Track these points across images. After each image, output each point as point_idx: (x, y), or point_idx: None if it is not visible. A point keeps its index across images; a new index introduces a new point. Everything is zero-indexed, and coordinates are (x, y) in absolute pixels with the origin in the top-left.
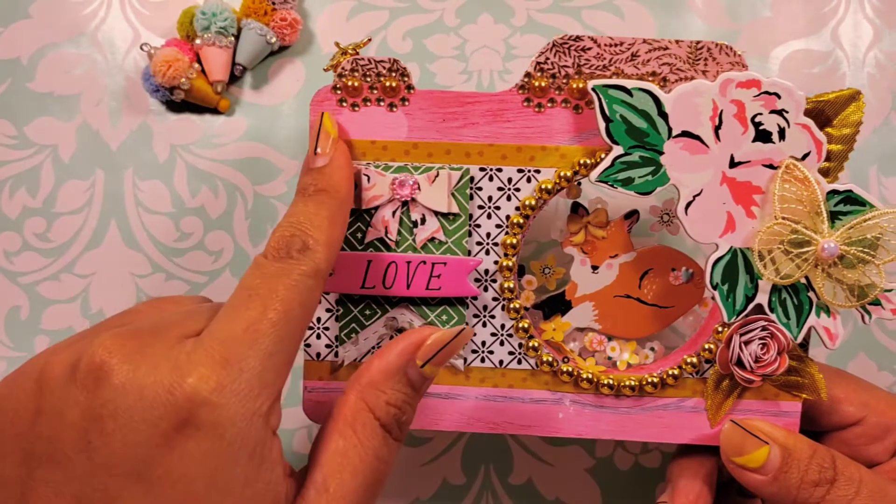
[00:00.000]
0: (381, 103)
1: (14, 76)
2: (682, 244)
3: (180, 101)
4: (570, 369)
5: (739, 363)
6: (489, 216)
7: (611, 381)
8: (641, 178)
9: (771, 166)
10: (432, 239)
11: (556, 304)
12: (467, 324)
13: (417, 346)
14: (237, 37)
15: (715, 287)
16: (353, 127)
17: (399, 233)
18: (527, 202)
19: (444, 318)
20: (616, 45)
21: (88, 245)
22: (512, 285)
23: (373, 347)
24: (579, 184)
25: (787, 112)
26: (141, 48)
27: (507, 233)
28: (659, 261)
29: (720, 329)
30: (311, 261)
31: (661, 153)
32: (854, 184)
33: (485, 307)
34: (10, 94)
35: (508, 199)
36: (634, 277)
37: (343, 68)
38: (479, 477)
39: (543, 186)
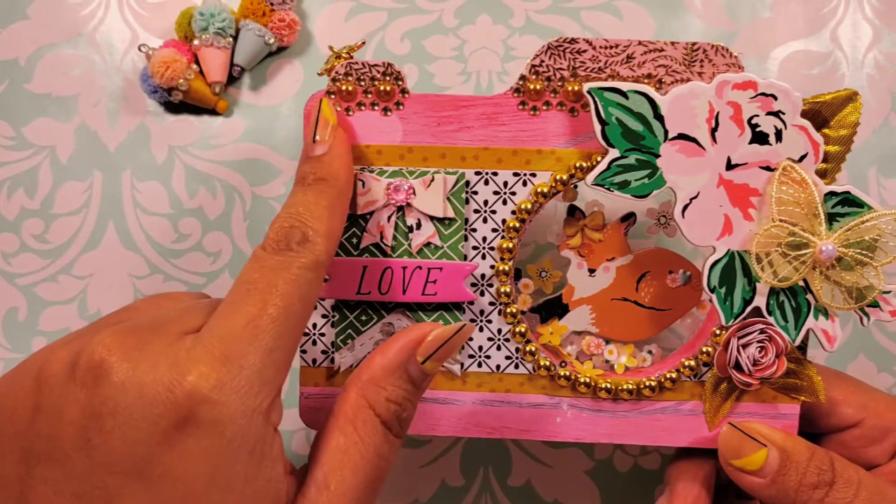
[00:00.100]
0: (376, 107)
1: (12, 77)
2: (680, 247)
3: (178, 102)
4: (568, 373)
5: (737, 366)
6: (485, 220)
7: (608, 385)
8: (638, 182)
9: (768, 168)
10: (428, 244)
11: (553, 308)
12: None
13: (418, 343)
14: (235, 38)
15: (712, 290)
16: (348, 131)
17: (394, 238)
18: (523, 206)
19: (441, 323)
20: (611, 48)
21: (86, 246)
22: (508, 289)
23: (369, 353)
24: (575, 187)
25: (783, 113)
26: (139, 49)
27: (503, 237)
28: (656, 263)
29: (718, 332)
30: (311, 253)
31: (658, 156)
32: (854, 185)
33: (481, 312)
34: (7, 95)
35: (504, 202)
36: (631, 280)
37: (337, 72)
38: (477, 478)
39: (539, 190)
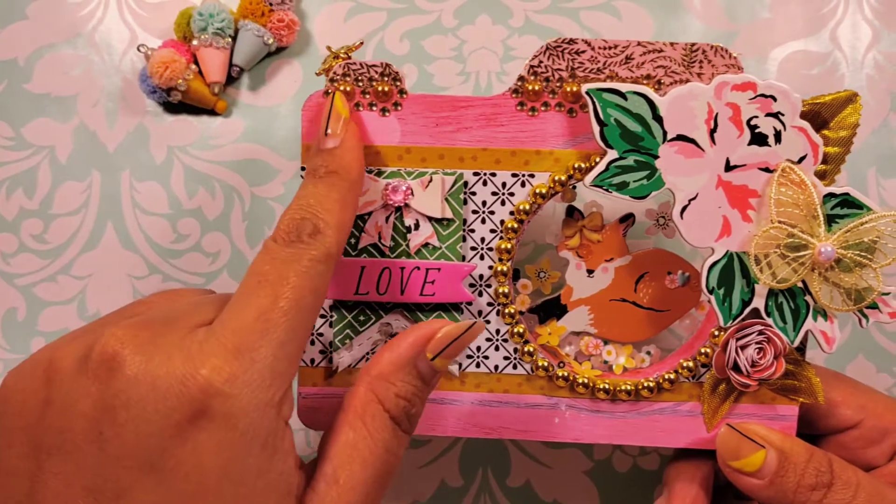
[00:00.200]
0: (374, 108)
1: (11, 77)
2: (679, 248)
3: (177, 103)
4: (566, 374)
5: (736, 367)
6: (483, 221)
7: (607, 386)
8: (636, 183)
9: (767, 170)
10: (426, 244)
11: (551, 309)
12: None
13: (428, 339)
14: (234, 38)
15: (711, 291)
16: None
17: (393, 238)
18: (521, 207)
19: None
20: (610, 48)
21: (85, 246)
22: (507, 290)
23: (367, 353)
24: (574, 188)
25: (783, 115)
26: (138, 49)
27: (501, 237)
28: (655, 264)
29: (716, 333)
30: (322, 245)
31: (656, 157)
32: (853, 185)
33: (480, 312)
34: (7, 96)
35: (503, 203)
36: (630, 281)
37: (335, 73)
38: (476, 479)
39: (538, 191)
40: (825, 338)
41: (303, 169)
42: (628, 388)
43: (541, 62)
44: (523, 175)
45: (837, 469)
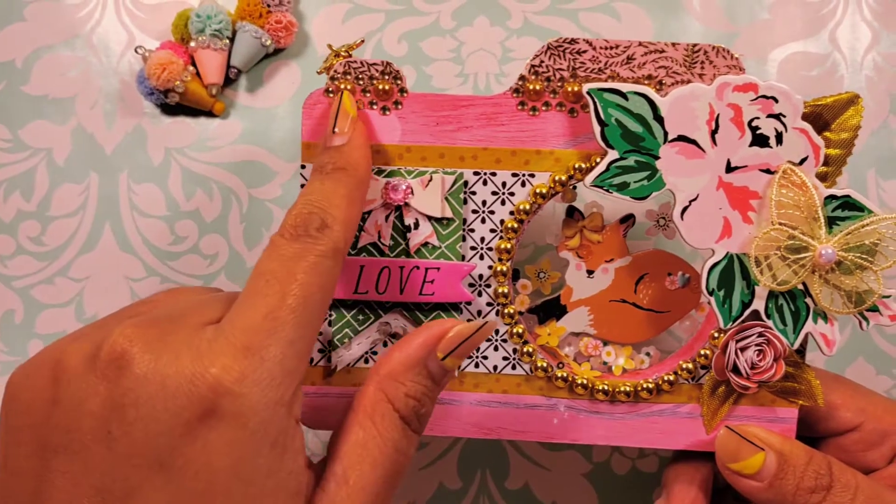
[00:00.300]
0: (374, 106)
1: (8, 79)
2: (679, 248)
3: (175, 104)
4: (565, 375)
5: (735, 369)
6: (483, 221)
7: (606, 387)
8: (637, 183)
9: (768, 171)
10: (426, 244)
11: (551, 309)
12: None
13: (439, 338)
14: (232, 39)
15: (711, 293)
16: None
17: (392, 237)
18: (521, 207)
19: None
20: (611, 48)
21: (83, 249)
22: (506, 290)
23: (366, 352)
24: (574, 188)
25: (784, 116)
26: (135, 51)
27: (501, 237)
28: (655, 265)
29: (716, 335)
30: (330, 239)
31: (657, 157)
32: (852, 187)
33: (479, 312)
34: (4, 97)
35: (503, 203)
36: (630, 282)
37: (335, 71)
38: (475, 481)
39: (538, 191)
40: (825, 340)
41: (302, 168)
42: (627, 389)
43: (542, 62)
44: (523, 175)
45: (836, 472)
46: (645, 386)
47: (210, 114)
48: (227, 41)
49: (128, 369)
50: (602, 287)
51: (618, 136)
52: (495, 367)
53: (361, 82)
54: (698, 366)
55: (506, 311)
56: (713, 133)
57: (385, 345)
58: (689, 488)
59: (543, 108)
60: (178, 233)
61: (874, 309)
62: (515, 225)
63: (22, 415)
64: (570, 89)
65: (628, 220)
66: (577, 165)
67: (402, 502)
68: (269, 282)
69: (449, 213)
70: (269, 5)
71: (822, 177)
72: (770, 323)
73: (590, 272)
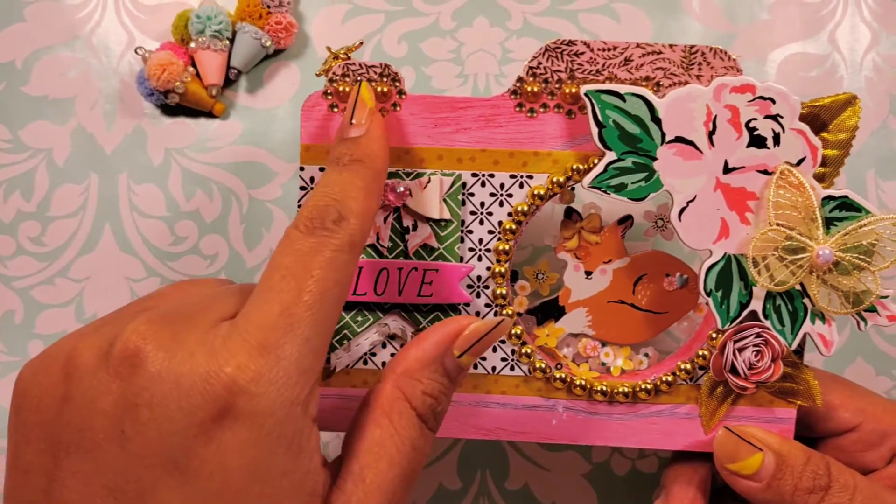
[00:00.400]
0: None
1: (9, 80)
2: (677, 249)
3: (175, 105)
4: (564, 376)
5: (733, 370)
6: (481, 222)
7: (604, 388)
8: (634, 184)
9: (765, 172)
10: (424, 245)
11: (549, 310)
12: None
13: (455, 336)
14: (232, 40)
15: (709, 294)
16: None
17: (390, 239)
18: (519, 208)
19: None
20: (609, 50)
21: (83, 249)
22: (504, 291)
23: (365, 354)
24: (572, 189)
25: (781, 117)
26: (135, 52)
27: (499, 239)
28: (653, 266)
29: (714, 335)
30: (346, 232)
31: (655, 159)
32: (852, 188)
33: (477, 314)
34: (4, 98)
35: (501, 204)
36: (628, 283)
37: (334, 73)
38: (475, 482)
39: (536, 192)
40: (823, 341)
41: (301, 169)
42: (626, 390)
43: (540, 63)
44: (521, 176)
45: (835, 472)
46: (643, 387)
47: (210, 114)
48: (227, 42)
49: (141, 367)
50: (600, 288)
51: (615, 138)
52: (494, 368)
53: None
54: (696, 366)
55: (504, 312)
56: (710, 134)
57: (384, 346)
58: (688, 489)
59: (541, 110)
60: (178, 233)
61: (872, 309)
62: (513, 226)
63: (32, 411)
64: (567, 91)
65: (626, 221)
66: (574, 167)
67: None
68: (284, 277)
69: (447, 215)
70: (268, 6)
71: (819, 177)
72: (768, 323)
73: (588, 273)
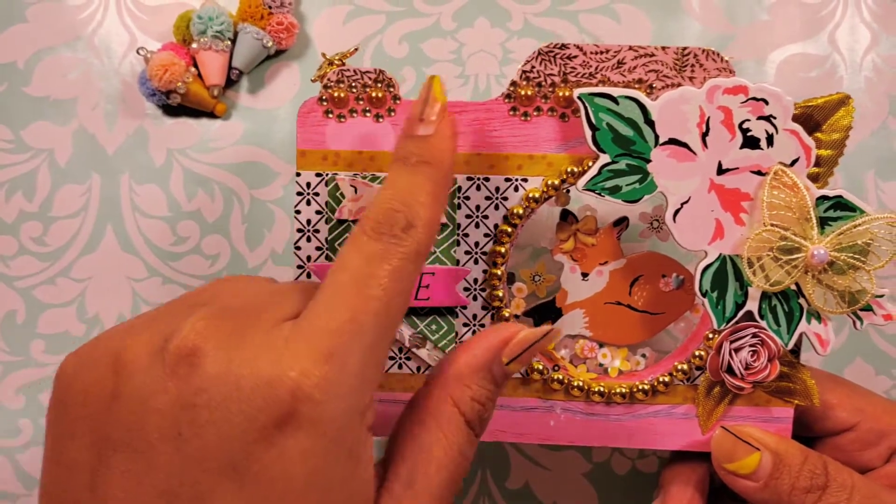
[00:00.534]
0: (368, 114)
1: (10, 80)
2: (673, 251)
3: (177, 105)
4: (561, 377)
5: (730, 370)
6: (477, 225)
7: (602, 389)
8: (629, 186)
9: (759, 173)
10: None
11: (546, 312)
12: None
13: (505, 343)
14: (234, 41)
15: (704, 294)
16: (340, 138)
17: None
18: (514, 211)
19: (434, 327)
20: (602, 53)
21: (85, 249)
22: (501, 294)
23: None
24: (567, 192)
25: (774, 118)
26: (137, 52)
27: (495, 242)
28: (649, 267)
29: (710, 336)
30: (414, 241)
31: (648, 161)
32: (851, 189)
33: (474, 316)
34: (6, 98)
35: (496, 208)
36: (625, 284)
37: (329, 79)
38: (475, 481)
39: (531, 195)
40: (819, 340)
41: (297, 175)
42: (623, 390)
43: (533, 67)
44: (516, 179)
45: (832, 471)
46: (641, 387)
47: (212, 115)
48: (229, 42)
49: (200, 367)
50: (597, 289)
51: (609, 140)
52: None
53: (355, 90)
54: (693, 367)
55: (501, 314)
56: (704, 136)
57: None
58: (686, 489)
59: (535, 114)
60: (180, 233)
61: (868, 308)
62: (509, 229)
63: (77, 406)
64: (561, 94)
65: (622, 222)
66: (569, 169)
67: None
68: (351, 282)
69: (443, 219)
70: (270, 7)
71: (813, 178)
72: (764, 324)
73: (584, 275)
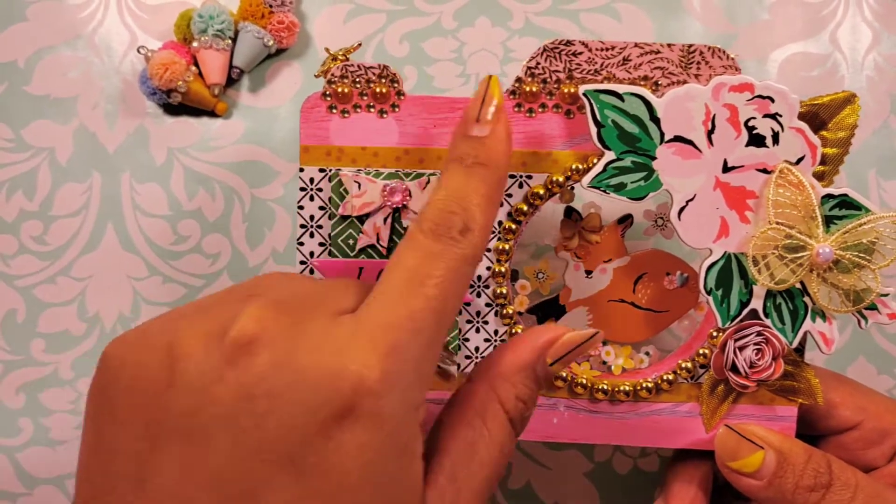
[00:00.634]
0: (372, 109)
1: (11, 79)
2: (677, 248)
3: (177, 104)
4: (565, 375)
5: (734, 368)
6: None
7: (605, 387)
8: (634, 184)
9: (765, 171)
10: None
11: (550, 309)
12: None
13: (550, 344)
14: (234, 40)
15: (709, 292)
16: (344, 133)
17: (391, 239)
18: (519, 208)
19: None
20: (607, 50)
21: (85, 248)
22: (505, 291)
23: None
24: (572, 189)
25: (780, 116)
26: (138, 51)
27: (499, 238)
28: (653, 265)
29: (715, 334)
30: (470, 244)
31: (654, 158)
32: (853, 187)
33: (478, 313)
34: (6, 97)
35: (500, 204)
36: (628, 282)
37: (333, 74)
38: None
39: (535, 192)
40: (824, 339)
41: (301, 171)
42: (627, 388)
43: (538, 63)
44: (521, 176)
45: (836, 470)
46: (644, 385)
47: (212, 114)
48: (230, 41)
49: (260, 356)
50: (601, 287)
51: (614, 137)
52: None
53: (358, 85)
54: (697, 365)
55: (504, 311)
56: (709, 133)
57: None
58: (689, 487)
59: (540, 110)
60: (181, 232)
61: (872, 307)
62: (513, 226)
63: (128, 394)
64: (566, 91)
65: (626, 220)
66: (574, 166)
67: None
68: (410, 279)
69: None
70: (271, 6)
71: (819, 176)
72: (768, 322)
73: (588, 272)
